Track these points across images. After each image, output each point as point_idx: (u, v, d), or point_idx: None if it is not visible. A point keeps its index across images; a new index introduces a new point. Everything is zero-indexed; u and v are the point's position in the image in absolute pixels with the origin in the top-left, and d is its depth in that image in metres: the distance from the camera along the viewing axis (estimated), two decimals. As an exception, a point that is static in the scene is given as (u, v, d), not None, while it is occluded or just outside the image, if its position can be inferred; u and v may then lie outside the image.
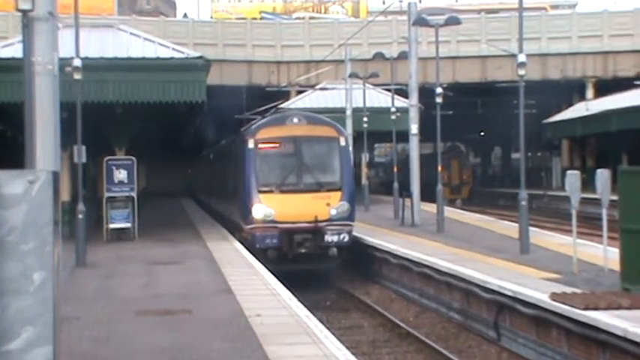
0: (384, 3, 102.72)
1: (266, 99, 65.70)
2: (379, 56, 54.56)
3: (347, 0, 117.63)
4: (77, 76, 30.55)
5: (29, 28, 17.87)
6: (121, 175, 39.12)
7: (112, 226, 38.87)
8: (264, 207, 35.98)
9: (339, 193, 36.97)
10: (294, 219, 35.93)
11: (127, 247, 36.20)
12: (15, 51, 32.35)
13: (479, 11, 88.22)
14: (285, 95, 71.01)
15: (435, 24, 45.17)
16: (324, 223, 36.13)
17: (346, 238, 36.54)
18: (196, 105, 39.73)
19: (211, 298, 23.36)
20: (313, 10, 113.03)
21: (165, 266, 30.16)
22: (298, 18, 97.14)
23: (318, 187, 36.93)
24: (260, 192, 36.34)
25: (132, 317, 20.96)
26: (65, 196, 36.03)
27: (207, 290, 24.69)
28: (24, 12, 17.79)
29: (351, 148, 43.11)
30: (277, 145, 37.54)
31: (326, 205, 36.38)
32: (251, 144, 37.02)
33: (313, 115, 41.74)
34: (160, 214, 50.35)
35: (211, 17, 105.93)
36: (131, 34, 43.88)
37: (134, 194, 39.22)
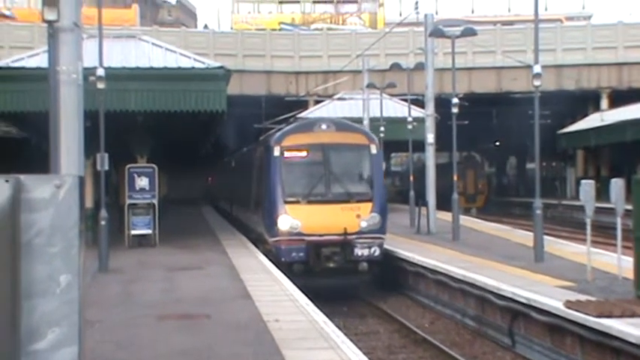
0: (400, 14, 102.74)
1: (285, 109, 65.77)
2: (396, 67, 54.54)
3: (364, 11, 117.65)
4: (100, 85, 30.65)
5: (54, 39, 17.99)
6: (142, 182, 39.16)
7: (133, 232, 38.93)
8: (290, 218, 33.74)
9: (369, 204, 34.46)
10: (321, 231, 33.53)
11: (148, 253, 36.23)
12: (40, 61, 32.42)
13: (494, 23, 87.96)
14: (303, 105, 70.96)
15: (452, 35, 45.16)
16: (354, 236, 33.68)
17: (377, 252, 34.12)
18: (217, 114, 39.67)
19: (230, 303, 23.38)
20: (331, 22, 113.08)
21: (186, 272, 30.19)
22: (316, 29, 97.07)
23: (348, 198, 34.42)
24: (286, 202, 34.10)
25: (153, 321, 21.01)
26: (88, 202, 36.07)
27: (227, 296, 24.71)
28: (50, 22, 17.93)
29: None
30: (304, 152, 35.24)
31: (356, 217, 33.92)
32: (277, 151, 34.73)
33: (343, 122, 39.42)
34: (181, 221, 50.41)
35: (231, 28, 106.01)
36: (153, 44, 43.96)
37: (155, 201, 39.26)
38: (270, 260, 32.95)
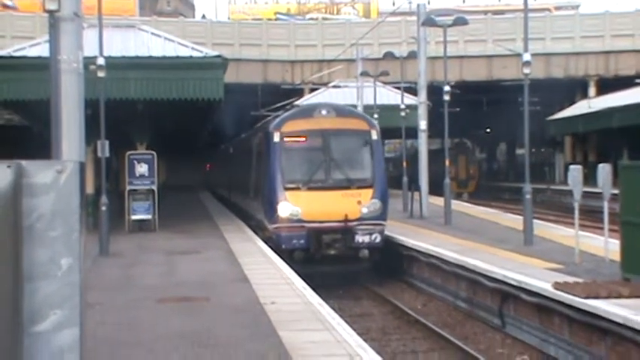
0: (393, 4, 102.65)
1: (281, 96, 65.70)
2: (389, 55, 54.67)
3: (358, 1, 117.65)
4: (101, 73, 30.64)
5: (55, 28, 17.97)
6: (142, 168, 39.19)
7: (133, 217, 38.98)
8: (291, 205, 32.49)
9: (370, 191, 33.19)
10: (322, 218, 32.39)
11: (147, 238, 36.26)
12: (42, 50, 32.38)
13: (485, 12, 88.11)
14: (299, 93, 70.94)
15: (443, 24, 45.21)
16: (355, 223, 32.45)
17: (378, 239, 32.88)
18: (214, 102, 39.75)
19: (228, 286, 23.40)
20: (326, 11, 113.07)
21: (184, 256, 30.21)
22: (311, 19, 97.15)
23: (348, 184, 33.14)
24: (286, 189, 32.82)
25: (152, 304, 21.02)
26: (89, 188, 36.11)
27: (224, 279, 24.73)
28: (51, 12, 17.92)
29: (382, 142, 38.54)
30: (304, 138, 33.78)
31: (357, 203, 32.65)
32: (276, 137, 33.41)
33: (343, 107, 38.45)
34: (179, 207, 50.47)
35: (228, 18, 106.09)
36: (152, 34, 43.94)
37: (154, 187, 39.31)
38: (270, 247, 31.66)
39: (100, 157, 33.36)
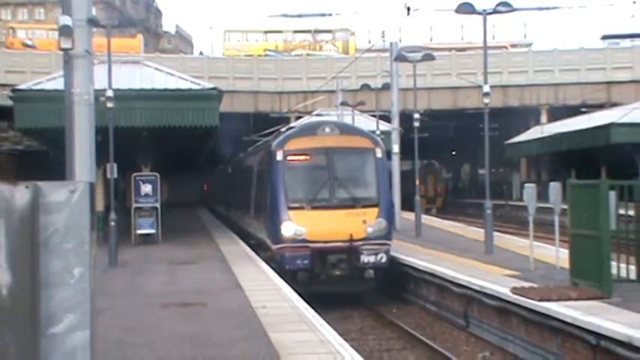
0: (369, 42, 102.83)
1: (270, 124, 65.42)
2: (365, 87, 54.74)
3: (338, 40, 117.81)
4: (109, 104, 30.69)
5: (69, 64, 18.00)
6: (146, 188, 39.19)
7: (139, 231, 38.93)
8: (294, 225, 28.91)
9: (375, 210, 29.55)
10: (327, 238, 28.77)
11: (151, 250, 36.20)
12: (57, 84, 32.35)
13: (450, 49, 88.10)
14: (285, 120, 70.75)
15: (413, 60, 45.33)
16: (360, 243, 28.88)
17: (384, 259, 29.28)
18: (210, 129, 39.87)
19: (223, 292, 23.40)
20: (309, 48, 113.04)
21: (184, 266, 30.18)
22: (297, 55, 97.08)
23: (353, 203, 29.52)
24: (290, 208, 29.20)
25: (156, 309, 21.01)
26: (99, 206, 36.09)
27: (220, 286, 24.73)
28: (65, 50, 17.96)
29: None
30: (308, 157, 30.13)
31: (362, 223, 29.04)
32: (279, 156, 29.86)
33: (347, 124, 35.51)
34: (180, 222, 50.41)
35: (223, 54, 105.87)
36: (155, 69, 44.03)
37: (158, 205, 39.30)
38: (273, 268, 28.24)
39: (109, 178, 33.40)
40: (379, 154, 30.58)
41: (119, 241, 32.40)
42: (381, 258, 29.22)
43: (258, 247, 34.21)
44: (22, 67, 66.93)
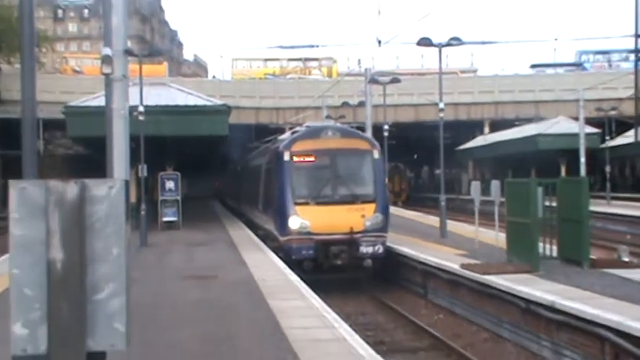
0: (348, 67, 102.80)
1: (269, 133, 65.45)
2: (345, 104, 54.96)
3: (323, 65, 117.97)
4: (141, 117, 30.67)
5: (109, 86, 18.00)
6: (170, 184, 39.17)
7: (164, 219, 38.90)
8: (300, 219, 27.02)
9: (373, 205, 27.51)
10: (329, 230, 26.78)
11: (174, 234, 36.19)
12: (100, 101, 32.22)
13: (412, 74, 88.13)
14: (281, 131, 70.80)
15: (383, 82, 45.57)
16: (360, 235, 26.89)
17: (381, 250, 27.27)
18: (221, 137, 40.05)
19: (231, 267, 23.42)
20: (301, 73, 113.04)
21: (200, 247, 30.17)
22: (291, 78, 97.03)
23: (353, 199, 27.47)
24: (296, 204, 27.27)
25: (177, 280, 21.05)
26: (133, 198, 35.98)
27: (229, 262, 24.75)
28: (106, 75, 17.94)
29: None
30: (312, 157, 28.08)
31: (361, 217, 27.06)
32: (286, 156, 27.95)
33: (347, 129, 32.17)
34: (197, 212, 50.24)
35: (232, 77, 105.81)
36: (177, 89, 44.18)
37: (179, 198, 39.32)
38: (280, 257, 25.80)
39: (140, 177, 33.40)
40: (376, 155, 28.58)
41: (148, 226, 32.39)
42: (378, 249, 27.22)
43: (266, 238, 31.65)
44: (73, 88, 66.56)
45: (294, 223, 27.03)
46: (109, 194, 4.68)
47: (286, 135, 33.82)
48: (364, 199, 27.55)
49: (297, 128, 35.21)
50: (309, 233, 26.89)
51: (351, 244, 26.86)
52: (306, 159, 28.09)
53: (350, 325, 15.30)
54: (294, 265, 24.89)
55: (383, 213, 27.78)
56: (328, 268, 26.83)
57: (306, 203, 27.36)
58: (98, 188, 4.67)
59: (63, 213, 4.58)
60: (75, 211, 4.59)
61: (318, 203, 27.37)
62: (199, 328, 14.64)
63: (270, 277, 21.06)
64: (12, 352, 4.66)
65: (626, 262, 23.09)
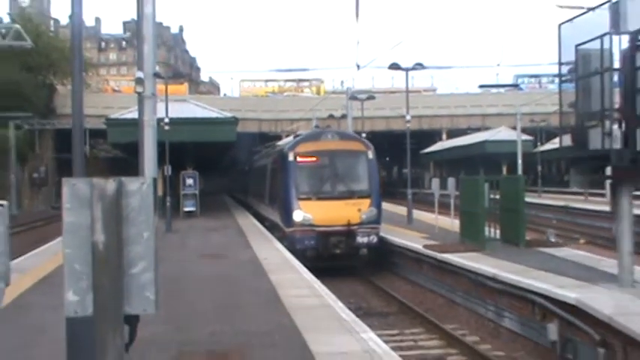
0: (333, 87, 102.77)
1: (268, 140, 65.58)
2: (331, 116, 54.66)
3: (313, 85, 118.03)
4: (166, 127, 30.61)
5: (141, 102, 18.01)
6: (189, 181, 39.14)
7: (185, 209, 38.80)
8: (303, 212, 25.34)
9: (368, 200, 25.75)
10: (330, 223, 25.12)
11: (193, 221, 36.11)
12: (134, 115, 32.19)
13: (385, 92, 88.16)
14: (279, 138, 70.77)
15: (361, 99, 45.55)
16: (356, 227, 25.20)
17: (375, 240, 25.59)
18: (230, 143, 40.03)
19: (239, 249, 23.42)
20: (295, 91, 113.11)
21: (214, 232, 30.14)
22: (287, 95, 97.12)
23: (350, 195, 25.75)
24: (299, 199, 25.55)
25: (196, 258, 21.05)
26: (160, 192, 35.94)
27: (237, 245, 24.74)
28: (139, 93, 17.92)
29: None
30: (314, 157, 26.41)
31: (357, 211, 25.31)
32: (291, 157, 26.26)
33: (344, 132, 30.58)
34: (211, 204, 50.15)
35: (239, 95, 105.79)
36: (195, 104, 44.15)
37: (197, 192, 39.32)
38: (285, 247, 24.08)
39: (166, 175, 33.34)
40: (370, 155, 26.75)
41: (172, 215, 32.37)
42: (373, 239, 25.43)
43: (272, 228, 29.56)
44: (112, 104, 66.25)
45: (298, 216, 25.36)
46: (140, 189, 4.70)
47: (288, 139, 32.28)
48: (360, 195, 25.85)
49: (299, 132, 33.93)
50: (311, 225, 25.18)
51: (348, 235, 25.21)
52: (309, 159, 26.39)
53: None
54: (298, 253, 23.08)
55: (377, 207, 26.01)
56: (328, 256, 25.15)
57: (309, 198, 25.62)
58: (132, 184, 4.70)
59: (104, 204, 4.60)
60: (113, 202, 4.62)
61: (320, 198, 25.63)
62: (213, 296, 14.68)
63: (270, 256, 21.10)
64: (65, 314, 4.71)
65: (552, 242, 23.35)
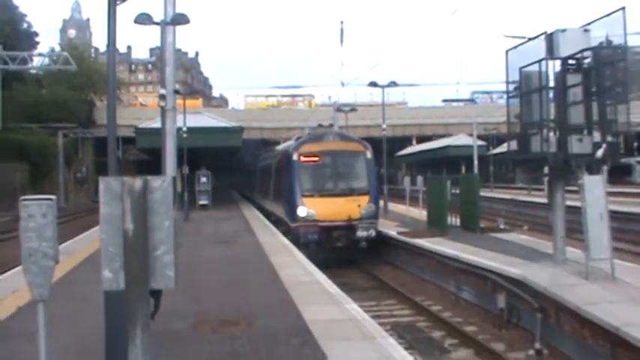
0: (322, 100, 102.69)
1: (269, 145, 65.43)
2: (320, 126, 54.51)
3: (305, 100, 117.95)
4: (184, 135, 30.56)
5: (163, 114, 18.00)
6: (203, 179, 39.09)
7: (200, 202, 38.66)
8: (307, 208, 23.21)
9: (367, 197, 23.60)
10: (331, 218, 22.99)
11: (206, 213, 36.03)
12: (158, 124, 32.11)
13: (365, 105, 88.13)
14: (278, 143, 70.64)
15: (345, 111, 45.54)
16: (356, 222, 23.04)
17: (373, 233, 23.35)
18: (237, 147, 40.10)
19: (244, 235, 23.41)
20: (291, 104, 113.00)
21: (224, 221, 30.08)
22: (284, 108, 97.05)
23: (351, 192, 23.62)
24: (303, 196, 23.48)
25: (209, 244, 21.03)
26: (179, 189, 35.90)
27: (242, 232, 24.72)
28: (162, 107, 17.90)
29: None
30: (317, 157, 24.30)
31: (357, 207, 23.20)
32: (295, 157, 24.23)
33: (344, 134, 28.17)
34: (221, 199, 50.05)
35: (245, 108, 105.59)
36: (208, 116, 44.09)
37: (209, 189, 39.25)
38: (290, 240, 21.88)
39: (184, 174, 33.29)
40: (369, 155, 24.58)
41: (189, 207, 32.32)
42: (371, 233, 23.26)
43: (277, 223, 27.16)
44: (140, 116, 65.60)
45: (302, 211, 23.20)
46: (162, 186, 4.75)
47: (288, 142, 29.76)
48: (359, 192, 23.66)
49: (300, 134, 31.73)
50: (314, 220, 23.02)
51: (349, 229, 23.05)
52: (312, 159, 24.21)
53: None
54: (302, 246, 21.34)
55: (375, 203, 23.86)
56: (330, 248, 23.16)
57: (312, 195, 23.53)
58: (155, 182, 4.74)
59: (133, 198, 4.65)
60: (140, 197, 4.67)
61: (322, 195, 23.53)
62: (223, 274, 14.72)
63: (271, 241, 21.11)
64: (103, 288, 4.78)
65: (502, 229, 23.41)
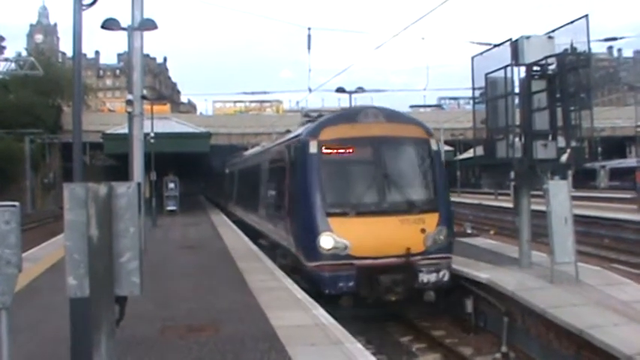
0: (290, 107, 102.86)
1: (236, 151, 65.19)
2: (287, 131, 54.60)
3: (273, 105, 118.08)
4: (152, 140, 30.32)
5: (131, 120, 17.84)
6: (171, 185, 38.93)
7: (168, 208, 38.47)
8: (335, 236, 13.10)
9: (436, 215, 13.61)
10: (377, 253, 13.02)
11: (174, 218, 35.79)
12: (125, 130, 31.88)
13: (332, 111, 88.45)
14: (246, 149, 70.50)
15: (313, 117, 45.23)
16: (419, 257, 13.24)
17: (447, 277, 13.49)
18: (204, 153, 39.95)
19: (212, 241, 23.27)
20: (259, 110, 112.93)
21: (191, 226, 29.92)
22: (252, 114, 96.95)
23: (409, 208, 13.55)
24: (329, 215, 13.27)
25: (176, 249, 20.85)
26: (147, 194, 35.58)
27: (210, 238, 24.58)
28: (129, 112, 17.74)
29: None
30: (350, 149, 13.98)
31: (420, 232, 13.31)
32: (313, 147, 13.91)
33: (393, 110, 15.15)
34: (189, 204, 49.68)
35: (213, 113, 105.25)
36: (176, 121, 43.94)
37: (177, 194, 39.09)
38: (305, 290, 12.43)
39: (152, 180, 33.02)
40: (434, 145, 14.48)
41: (157, 213, 32.06)
42: (444, 275, 13.51)
43: (277, 254, 17.17)
44: (108, 121, 64.85)
45: (327, 242, 13.21)
46: (127, 192, 4.70)
47: (301, 129, 17.13)
48: (424, 208, 13.77)
49: (314, 114, 20.31)
50: (348, 257, 13.14)
51: (407, 271, 13.25)
52: (342, 151, 14.04)
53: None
54: (326, 299, 12.43)
55: (447, 226, 13.87)
56: (374, 303, 13.49)
57: (344, 214, 13.42)
58: (120, 188, 4.69)
59: (97, 204, 4.59)
60: (105, 203, 4.61)
61: (360, 214, 13.44)
62: (191, 280, 14.58)
63: (238, 247, 20.97)
64: (67, 295, 4.71)
65: (469, 233, 23.61)
